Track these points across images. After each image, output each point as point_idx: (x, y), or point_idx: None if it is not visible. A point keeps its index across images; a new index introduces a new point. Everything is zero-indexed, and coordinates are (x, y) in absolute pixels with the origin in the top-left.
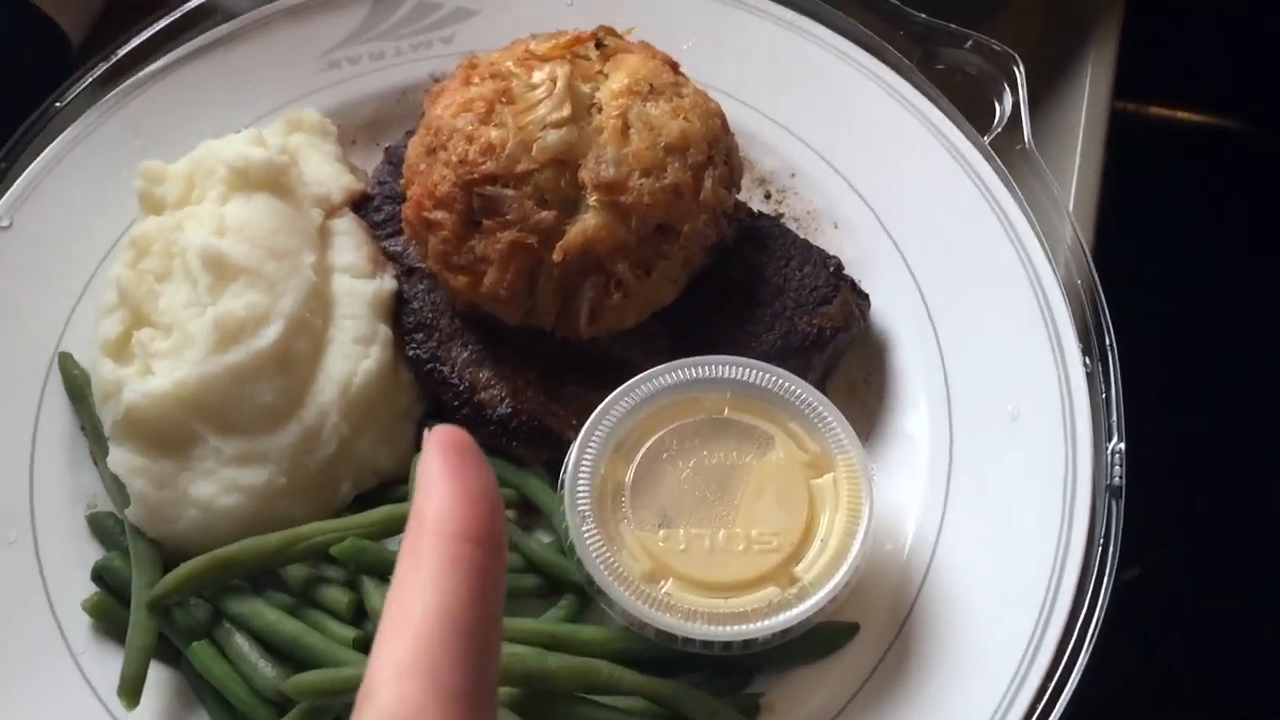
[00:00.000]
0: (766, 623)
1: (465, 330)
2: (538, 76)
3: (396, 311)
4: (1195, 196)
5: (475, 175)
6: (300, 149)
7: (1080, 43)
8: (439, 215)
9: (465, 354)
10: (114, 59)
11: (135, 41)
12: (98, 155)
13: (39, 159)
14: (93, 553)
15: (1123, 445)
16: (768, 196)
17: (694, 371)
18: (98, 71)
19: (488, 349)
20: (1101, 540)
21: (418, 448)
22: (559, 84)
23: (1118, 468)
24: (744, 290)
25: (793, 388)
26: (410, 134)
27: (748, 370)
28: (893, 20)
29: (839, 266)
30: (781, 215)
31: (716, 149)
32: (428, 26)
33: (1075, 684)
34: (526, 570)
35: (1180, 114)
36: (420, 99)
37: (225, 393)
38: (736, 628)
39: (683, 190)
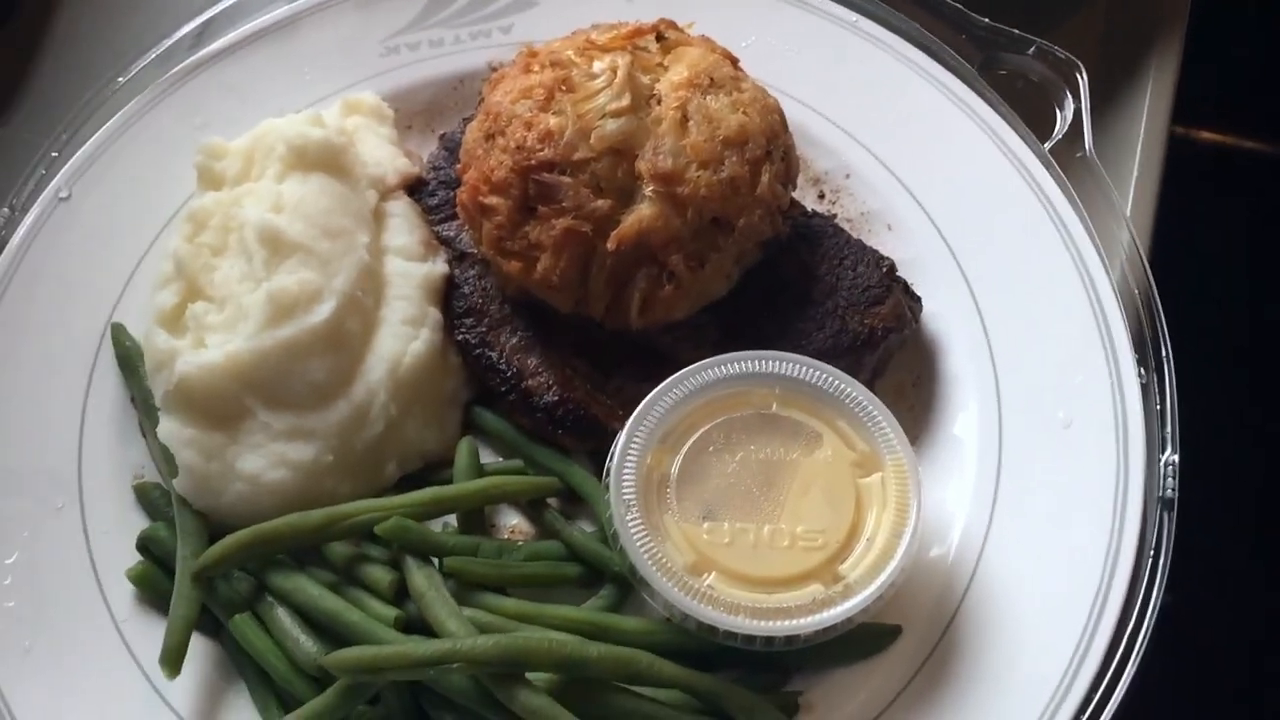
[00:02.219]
0: (809, 619)
1: (514, 317)
2: (598, 66)
3: (447, 296)
4: (1254, 218)
5: (532, 161)
6: (357, 131)
7: (1143, 55)
8: (494, 200)
9: (514, 340)
10: (174, 38)
11: (197, 21)
12: (157, 131)
13: (99, 133)
14: (138, 522)
15: (1176, 457)
16: (821, 196)
17: (743, 366)
18: (159, 50)
19: (536, 336)
20: (1152, 553)
21: (464, 431)
22: (620, 74)
23: (1170, 480)
24: (796, 288)
25: (843, 386)
26: (467, 121)
27: (797, 366)
28: (955, 24)
29: (892, 267)
30: (835, 216)
31: (774, 144)
32: (487, 16)
33: (1120, 700)
34: (568, 559)
35: (1240, 141)
36: (477, 87)
37: (276, 367)
38: (779, 623)
39: (739, 184)
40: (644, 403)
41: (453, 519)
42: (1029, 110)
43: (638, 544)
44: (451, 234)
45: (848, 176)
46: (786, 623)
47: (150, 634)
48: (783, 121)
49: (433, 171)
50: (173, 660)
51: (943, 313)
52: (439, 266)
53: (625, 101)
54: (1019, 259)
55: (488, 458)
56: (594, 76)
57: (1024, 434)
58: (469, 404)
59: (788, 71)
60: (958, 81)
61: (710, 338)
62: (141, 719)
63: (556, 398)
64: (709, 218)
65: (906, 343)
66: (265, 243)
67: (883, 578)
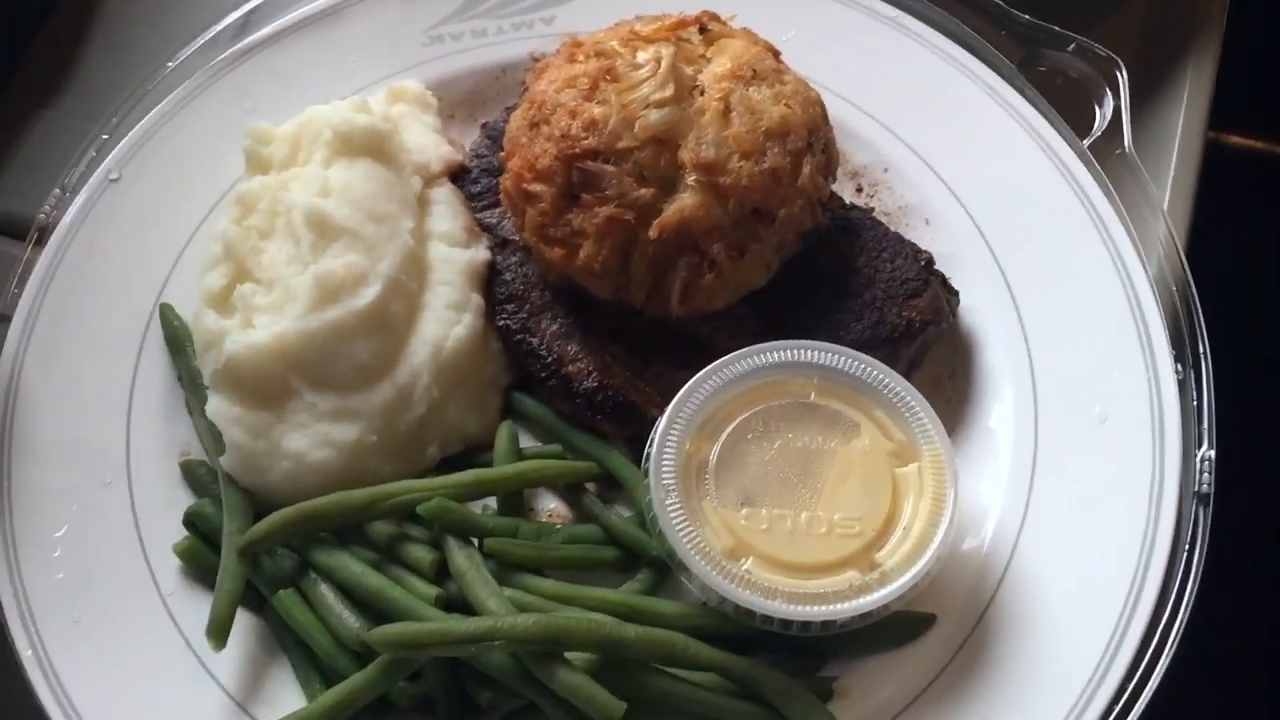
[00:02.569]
0: (846, 605)
1: (555, 304)
2: (642, 56)
3: (489, 282)
4: None
5: (576, 150)
6: (402, 119)
7: (1181, 53)
8: (538, 188)
9: (554, 327)
10: (223, 24)
11: (244, 9)
12: (205, 116)
13: (148, 116)
14: (184, 499)
15: (1212, 453)
16: (859, 190)
17: (782, 355)
18: (208, 35)
19: (577, 323)
20: (1187, 548)
21: (504, 416)
22: (663, 64)
23: (1207, 475)
24: (834, 279)
25: (880, 376)
26: (510, 110)
27: (835, 356)
28: (995, 20)
29: (930, 261)
30: (873, 209)
31: (816, 137)
32: (530, 7)
33: (1151, 694)
34: (606, 543)
35: (1274, 147)
36: (520, 77)
37: (322, 349)
38: (816, 608)
39: (781, 175)
40: (684, 390)
41: (492, 501)
42: (1068, 107)
43: (677, 528)
44: (494, 221)
45: (886, 170)
46: (823, 608)
47: (195, 607)
48: (824, 114)
49: (475, 159)
50: (219, 633)
51: (979, 307)
52: (481, 253)
53: (669, 92)
54: (1056, 254)
55: (526, 442)
56: (638, 67)
57: (1060, 428)
58: (508, 389)
59: (828, 65)
60: (997, 78)
61: (749, 327)
62: (186, 690)
63: (596, 384)
64: (750, 208)
65: (943, 336)
66: (312, 226)
67: (919, 566)
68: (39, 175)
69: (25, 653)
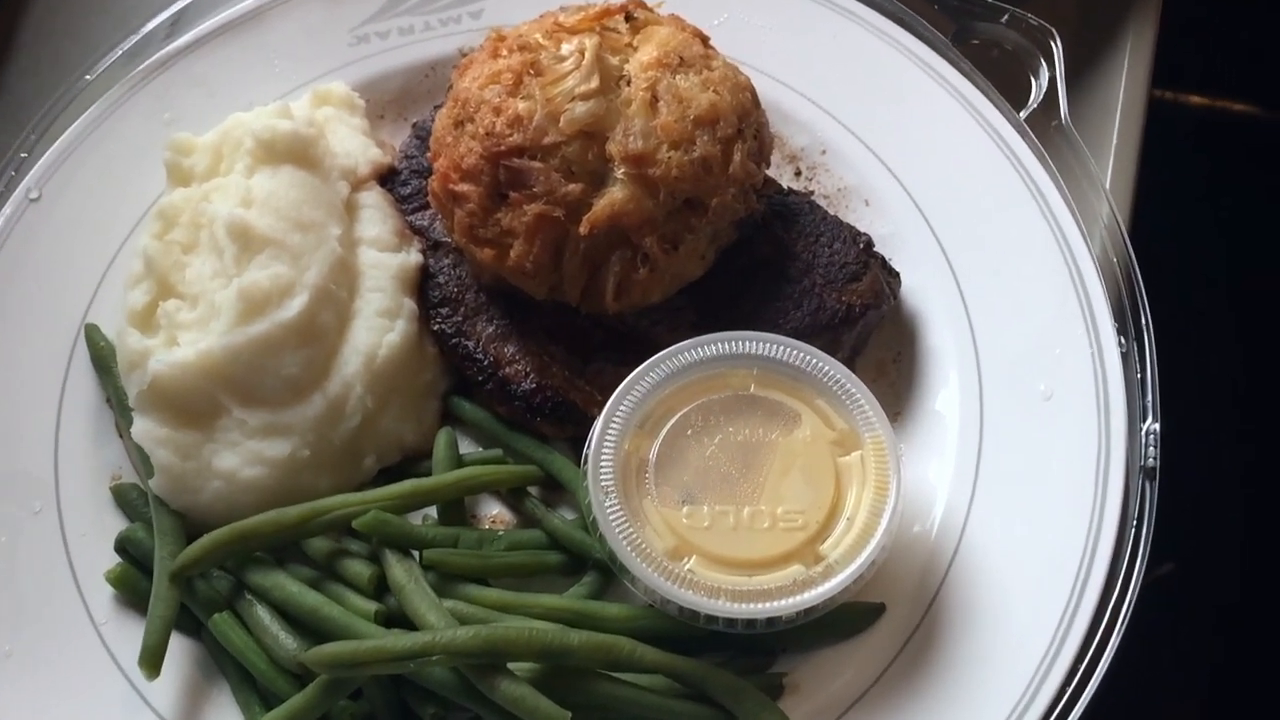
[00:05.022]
0: (791, 601)
1: (490, 305)
2: (566, 48)
3: (422, 286)
4: (1232, 186)
5: (502, 147)
6: (328, 122)
7: (1120, 21)
8: (465, 188)
9: (490, 329)
10: (142, 33)
11: (163, 16)
12: (126, 128)
13: (68, 132)
14: (116, 524)
15: (1158, 426)
16: (798, 174)
17: (720, 348)
18: (126, 45)
19: (513, 324)
20: (1135, 522)
21: (442, 423)
22: (587, 56)
23: (1152, 449)
24: (772, 267)
25: (820, 364)
26: (438, 108)
27: (774, 346)
28: None
29: (869, 243)
30: (812, 193)
31: (746, 123)
32: (457, 1)
33: (1104, 671)
34: (550, 547)
35: (1218, 103)
36: (449, 74)
37: (250, 364)
38: (760, 605)
39: (711, 164)
40: (621, 387)
41: (433, 511)
42: (1004, 80)
43: (617, 530)
44: (425, 223)
45: (824, 153)
46: (767, 605)
47: (130, 636)
48: (754, 99)
49: (405, 160)
50: (152, 661)
51: (922, 288)
52: (413, 257)
53: (594, 84)
54: (997, 231)
55: (467, 448)
56: (562, 59)
57: (1005, 407)
58: (447, 394)
59: (761, 48)
60: (932, 53)
61: (687, 319)
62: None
63: (534, 385)
64: (682, 199)
65: (886, 319)
66: (235, 238)
67: (864, 556)
68: None
69: None
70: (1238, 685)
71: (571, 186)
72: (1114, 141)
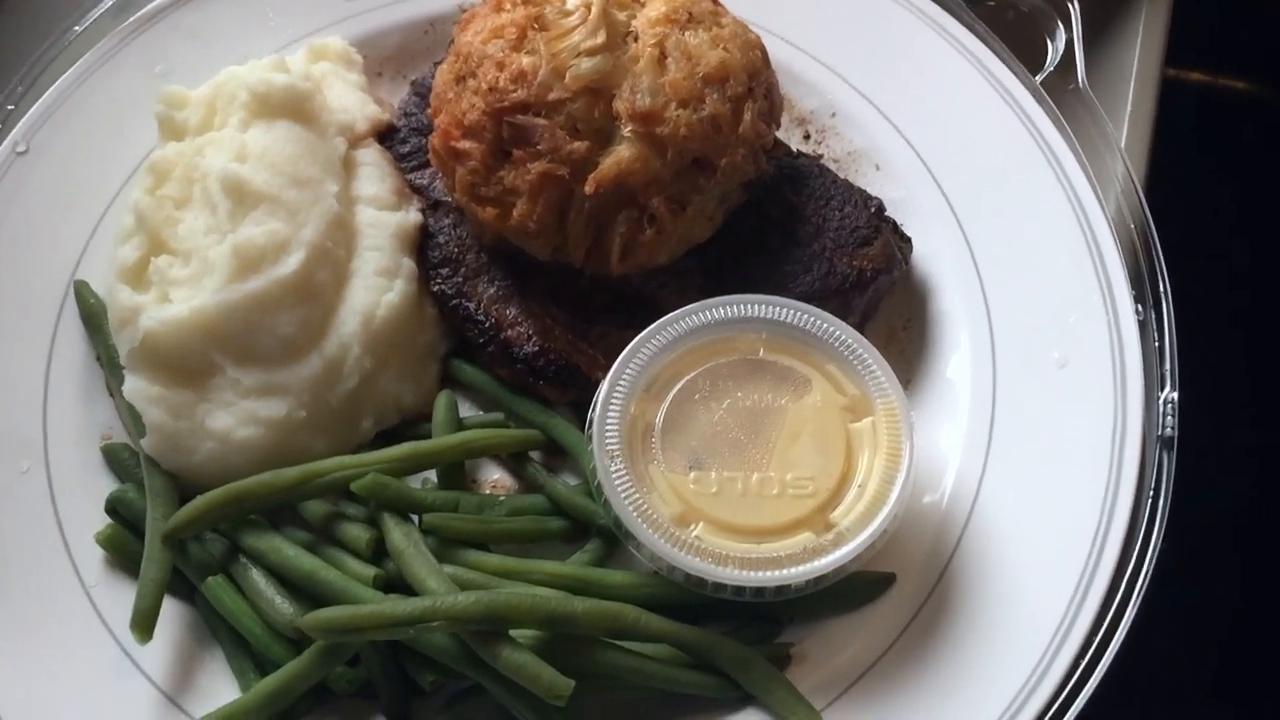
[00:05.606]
0: (800, 569)
1: (492, 266)
2: (571, 3)
3: (421, 245)
4: (1248, 154)
5: (505, 103)
6: (324, 78)
7: None
8: (467, 145)
9: (492, 290)
10: None
11: None
12: (117, 80)
13: (56, 84)
14: (107, 485)
15: (1175, 395)
16: (807, 137)
17: (728, 311)
18: None
19: (515, 285)
20: (1151, 493)
21: (441, 385)
22: (594, 10)
23: (1170, 418)
24: (782, 230)
25: (831, 329)
26: (439, 64)
27: (784, 310)
28: None
29: (880, 207)
30: (821, 156)
31: (757, 82)
32: None
33: (1119, 645)
34: (552, 513)
35: (1226, 81)
36: (449, 31)
37: (244, 322)
38: (769, 573)
39: (721, 123)
40: (626, 350)
41: (433, 475)
42: (1019, 42)
43: (623, 496)
44: (424, 182)
45: (834, 115)
46: (777, 572)
47: (121, 599)
48: (764, 58)
49: (404, 118)
50: (144, 625)
51: (934, 253)
52: (412, 216)
53: (600, 39)
54: (1011, 196)
55: (467, 411)
56: (568, 14)
57: (1018, 375)
58: (446, 356)
59: (770, 7)
60: (944, 14)
61: (694, 282)
62: (113, 685)
63: (537, 348)
64: (690, 158)
65: (897, 285)
66: (229, 193)
67: (875, 525)
68: None
69: None
70: (1246, 664)
71: (576, 144)
72: (1129, 107)
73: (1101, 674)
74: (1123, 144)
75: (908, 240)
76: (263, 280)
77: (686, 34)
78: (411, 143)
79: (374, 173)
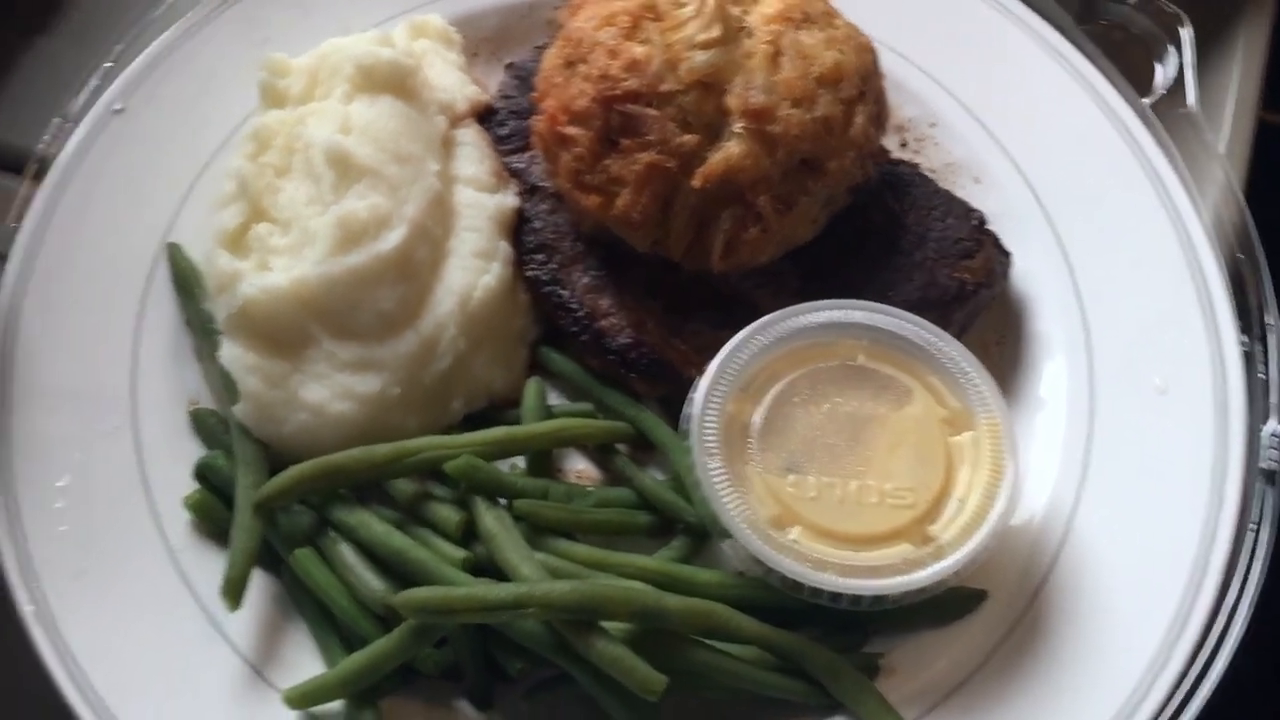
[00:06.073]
0: (901, 579)
1: (587, 254)
2: None
3: (517, 230)
4: None
5: (617, 91)
6: (425, 55)
7: (1234, 20)
8: (574, 131)
9: (586, 279)
10: None
11: None
12: (215, 45)
13: (155, 44)
14: (192, 449)
15: (1279, 428)
16: (903, 145)
17: (830, 315)
18: None
19: (610, 276)
20: (1254, 526)
21: (529, 372)
22: (710, 3)
23: (1273, 450)
24: (882, 237)
25: (934, 340)
26: (540, 49)
27: (886, 318)
28: None
29: (983, 220)
30: (918, 166)
31: (869, 85)
32: None
33: (1218, 678)
34: (639, 507)
35: None
36: (547, 15)
37: (344, 295)
38: (870, 582)
39: (833, 124)
40: (727, 348)
41: (519, 461)
42: (1125, 63)
43: (721, 494)
44: (522, 166)
45: (933, 125)
46: (876, 581)
47: (206, 564)
48: (876, 62)
49: (503, 100)
50: (234, 592)
51: (1031, 270)
52: (510, 199)
53: (715, 33)
54: (1114, 217)
55: (552, 400)
56: (682, 5)
57: (1117, 398)
58: (535, 344)
59: (873, 12)
60: (1053, 31)
61: (791, 285)
62: (197, 650)
63: (630, 340)
64: (799, 159)
65: (995, 299)
66: (333, 165)
67: (976, 540)
68: (32, 105)
69: (26, 608)
70: None
71: (686, 137)
72: (1225, 139)
73: (1199, 707)
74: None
75: (1008, 255)
76: (364, 255)
77: (801, 33)
78: (510, 125)
79: (473, 153)
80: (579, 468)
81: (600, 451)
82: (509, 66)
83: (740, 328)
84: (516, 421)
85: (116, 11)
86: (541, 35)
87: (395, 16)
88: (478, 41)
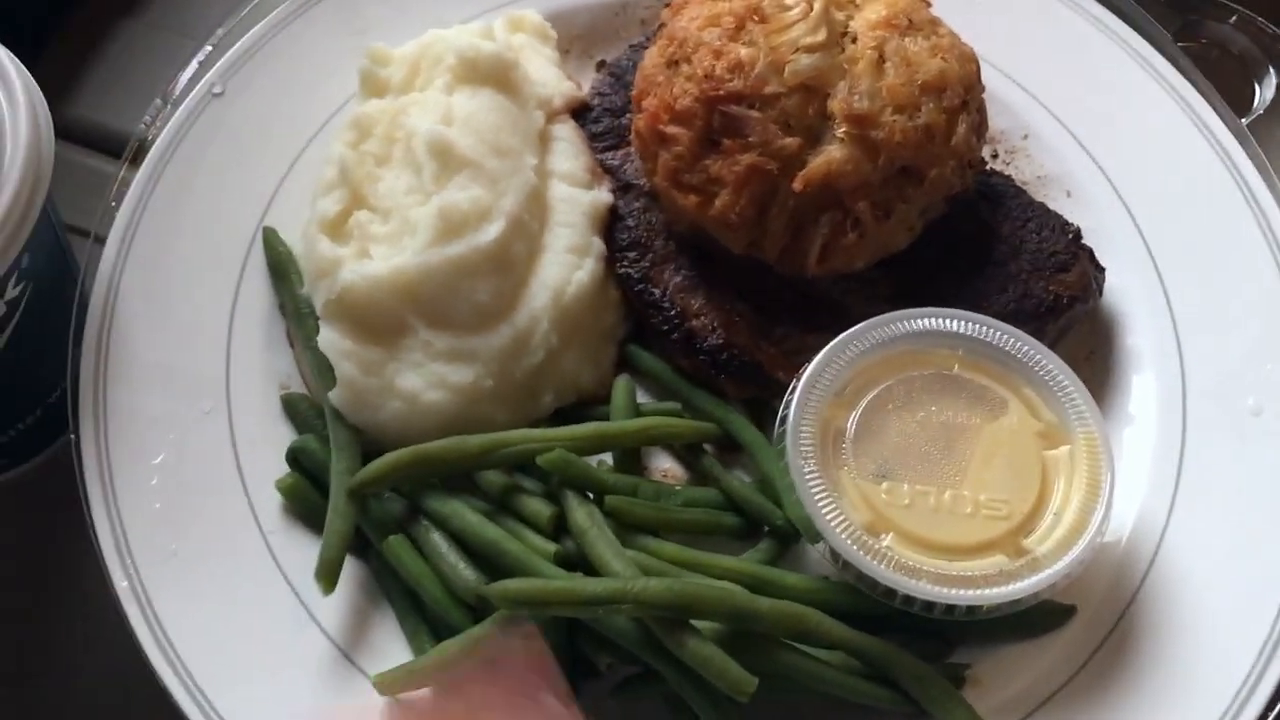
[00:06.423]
0: (996, 590)
1: (679, 254)
2: None
3: (609, 227)
4: None
5: (720, 92)
6: (522, 50)
7: None
8: (675, 130)
9: (678, 279)
10: None
11: None
12: (315, 32)
13: (254, 29)
14: (283, 433)
15: None
16: (995, 156)
17: (926, 323)
18: None
19: (701, 276)
20: None
21: (617, 370)
22: (816, 7)
23: None
24: (977, 247)
25: (1030, 351)
26: (634, 48)
27: (982, 328)
28: None
29: (1078, 234)
30: (1010, 177)
31: (971, 95)
32: None
33: None
34: (726, 508)
35: None
36: (639, 15)
37: (442, 285)
38: (965, 592)
39: (935, 133)
40: (823, 353)
41: (607, 457)
42: (1223, 82)
43: (816, 498)
44: (616, 163)
45: (1025, 137)
46: (971, 592)
47: (297, 547)
48: (978, 72)
49: (598, 98)
50: (329, 575)
51: (1123, 286)
52: (603, 195)
53: (820, 37)
54: (1208, 236)
55: (640, 398)
56: (787, 8)
57: (1209, 418)
58: (623, 342)
59: (966, 22)
60: (1149, 47)
61: (883, 292)
62: (288, 632)
63: (721, 341)
64: (900, 166)
65: (1087, 314)
66: (435, 155)
67: (1074, 554)
68: (126, 89)
69: (120, 584)
70: None
71: (788, 140)
72: None
73: None
74: None
75: (1102, 270)
76: (463, 246)
77: (906, 40)
78: (604, 123)
79: (568, 149)
80: (665, 467)
81: (686, 451)
82: (603, 64)
83: (830, 332)
84: (604, 418)
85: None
86: (630, 34)
87: (489, 11)
88: (570, 38)
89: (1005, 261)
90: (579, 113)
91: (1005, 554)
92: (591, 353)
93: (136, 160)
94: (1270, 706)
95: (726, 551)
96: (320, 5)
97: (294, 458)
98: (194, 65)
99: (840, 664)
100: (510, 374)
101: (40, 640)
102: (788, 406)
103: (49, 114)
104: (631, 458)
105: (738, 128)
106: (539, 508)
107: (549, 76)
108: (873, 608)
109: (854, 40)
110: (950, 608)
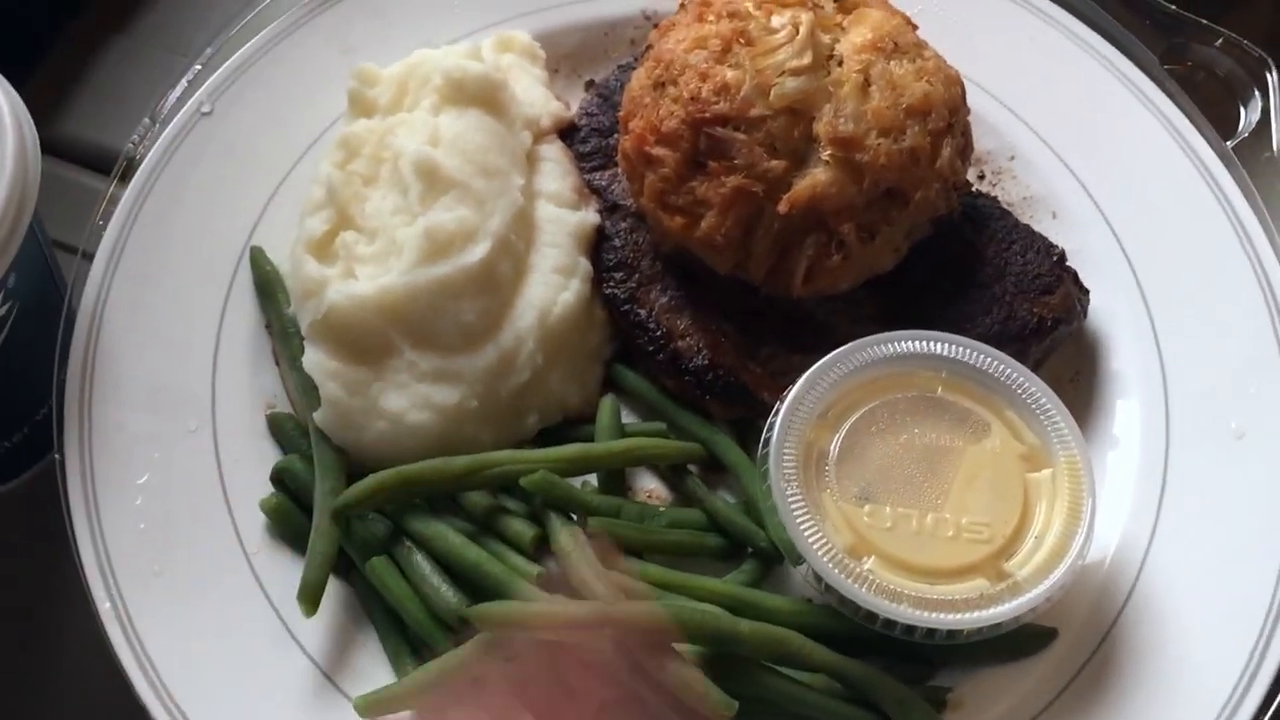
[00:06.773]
0: (977, 614)
1: (665, 275)
2: (777, 21)
3: (596, 247)
4: None
5: (706, 114)
6: (511, 69)
7: None
8: (661, 151)
9: (664, 299)
10: None
11: None
12: (302, 52)
13: (243, 49)
14: (268, 452)
15: None
16: (981, 177)
17: (909, 345)
18: None
19: (688, 297)
20: None
21: (603, 389)
22: (802, 30)
23: None
24: (961, 268)
25: (1013, 374)
26: (623, 68)
27: (965, 350)
28: (1138, 8)
29: (1062, 256)
30: (996, 199)
31: (956, 118)
32: None
33: None
34: (710, 529)
35: None
36: (628, 35)
37: (428, 306)
38: (945, 616)
39: (920, 155)
40: (807, 375)
41: (591, 478)
42: (1209, 105)
43: (798, 521)
44: (603, 183)
45: (1011, 159)
46: (951, 616)
47: (280, 568)
48: (963, 94)
49: (586, 118)
50: (311, 597)
51: (1108, 308)
52: (590, 216)
53: (806, 60)
54: (1192, 258)
55: (625, 418)
56: (773, 31)
57: (1192, 441)
58: (609, 361)
59: (953, 44)
60: (1135, 69)
61: (868, 312)
62: (270, 653)
63: (706, 362)
64: (885, 188)
65: (1071, 336)
66: (422, 176)
67: (1054, 578)
68: (113, 104)
69: (103, 605)
70: None
71: (774, 163)
72: None
73: None
74: None
75: (1086, 292)
76: (449, 266)
77: (892, 63)
78: (592, 143)
79: (555, 169)
80: (649, 487)
81: (671, 471)
82: (591, 84)
83: (816, 352)
84: (589, 438)
85: (195, 13)
86: (619, 55)
87: (477, 30)
88: (558, 58)
89: (990, 283)
90: (567, 133)
91: (986, 577)
92: (577, 373)
93: (125, 178)
94: None
95: (710, 572)
96: (309, 25)
97: (278, 478)
98: (183, 84)
99: (822, 687)
100: (495, 394)
101: (21, 659)
102: (771, 429)
103: (35, 133)
104: (616, 477)
105: (723, 150)
106: (522, 529)
107: (537, 96)
108: (855, 630)
109: (840, 63)
110: (931, 631)
